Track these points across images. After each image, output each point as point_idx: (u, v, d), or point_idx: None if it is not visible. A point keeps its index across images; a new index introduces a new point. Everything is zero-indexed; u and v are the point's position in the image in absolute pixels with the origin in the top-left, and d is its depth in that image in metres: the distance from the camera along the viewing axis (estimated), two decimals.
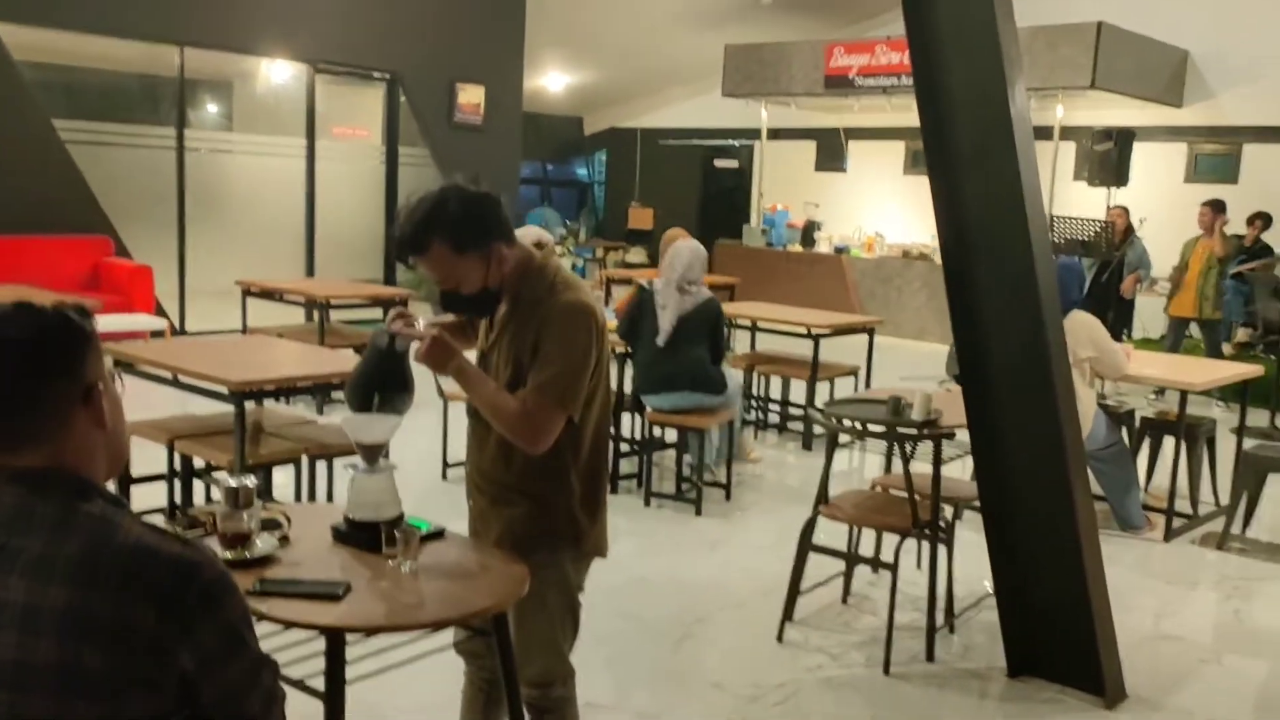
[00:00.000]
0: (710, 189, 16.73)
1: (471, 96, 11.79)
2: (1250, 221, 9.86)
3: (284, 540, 2.22)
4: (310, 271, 10.72)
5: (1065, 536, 3.54)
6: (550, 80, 15.37)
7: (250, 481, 2.17)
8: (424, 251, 2.30)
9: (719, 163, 16.63)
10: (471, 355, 2.49)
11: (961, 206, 3.69)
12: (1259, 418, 7.56)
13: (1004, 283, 3.62)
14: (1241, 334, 9.72)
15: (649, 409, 5.54)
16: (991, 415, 3.66)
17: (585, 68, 15.31)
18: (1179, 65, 11.86)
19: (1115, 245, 9.33)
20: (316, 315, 6.88)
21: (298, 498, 4.42)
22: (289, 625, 1.88)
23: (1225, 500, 5.70)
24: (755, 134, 14.46)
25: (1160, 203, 11.02)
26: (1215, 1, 11.47)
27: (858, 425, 3.92)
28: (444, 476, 5.70)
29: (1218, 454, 5.77)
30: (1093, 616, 3.53)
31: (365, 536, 2.22)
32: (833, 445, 4.10)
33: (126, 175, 9.70)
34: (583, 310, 2.33)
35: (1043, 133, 11.48)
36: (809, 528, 3.98)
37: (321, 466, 4.42)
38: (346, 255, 11.06)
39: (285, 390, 4.13)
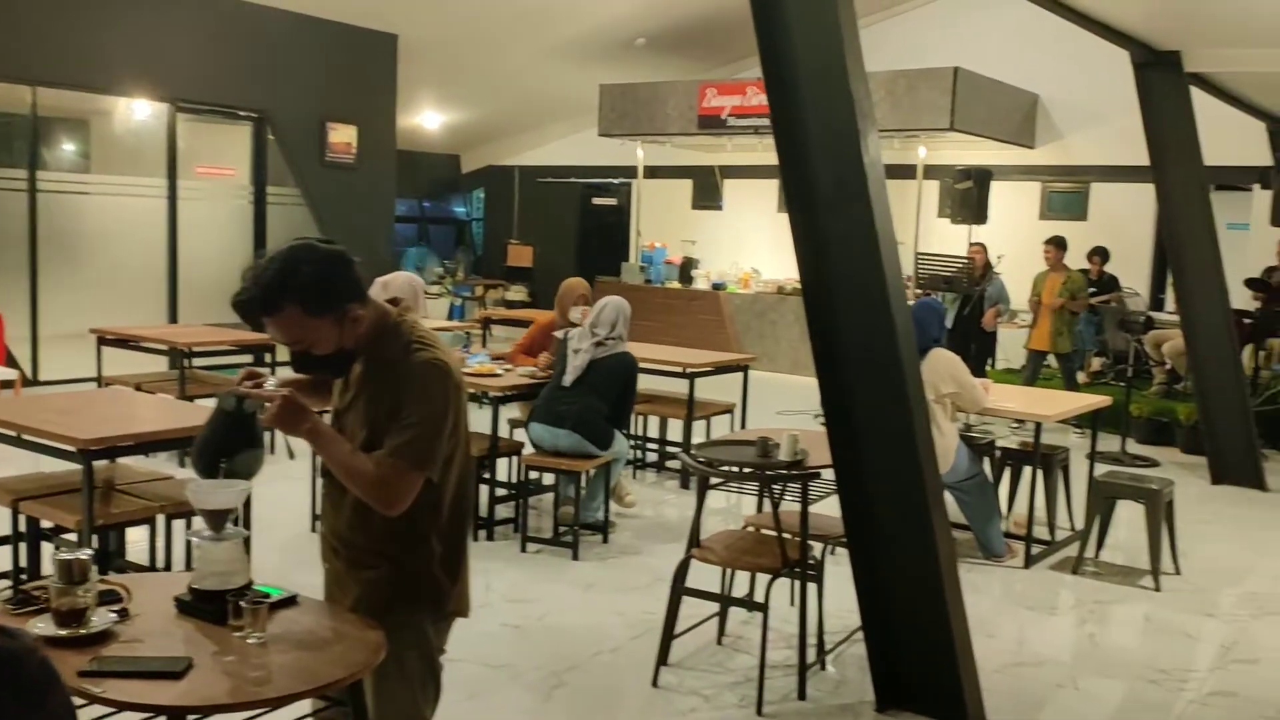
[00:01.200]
0: (589, 226, 16.82)
1: (343, 135, 11.63)
2: (1089, 257, 10.38)
3: (123, 614, 2.13)
4: (173, 317, 10.37)
5: (926, 570, 3.64)
6: (426, 119, 15.27)
7: (85, 554, 2.07)
8: (274, 314, 2.24)
9: (597, 200, 16.74)
10: (327, 414, 2.43)
11: (820, 249, 3.78)
12: (1114, 443, 7.92)
13: (862, 323, 3.73)
14: (1095, 363, 10.20)
15: (525, 450, 5.51)
16: (854, 452, 3.75)
17: (461, 106, 15.26)
18: (1030, 108, 12.45)
19: (976, 281, 9.70)
20: (179, 364, 6.64)
21: (152, 558, 4.24)
22: (124, 708, 1.79)
23: (1080, 525, 5.96)
24: (632, 172, 14.62)
25: (1017, 239, 11.51)
26: (1062, 48, 12.07)
27: (726, 468, 3.96)
28: (313, 528, 5.55)
29: (1072, 481, 6.02)
30: (954, 647, 3.63)
31: (211, 608, 2.14)
32: (704, 488, 4.13)
33: None
34: (439, 369, 2.30)
35: (907, 172, 11.93)
36: (682, 571, 4.00)
37: (179, 525, 4.25)
38: (212, 299, 10.69)
39: (141, 447, 3.96)
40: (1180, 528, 5.55)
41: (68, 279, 9.63)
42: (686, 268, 13.36)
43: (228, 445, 2.28)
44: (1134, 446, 8.31)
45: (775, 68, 3.74)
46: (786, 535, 3.87)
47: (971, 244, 10.23)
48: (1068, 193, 12.60)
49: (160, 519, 4.14)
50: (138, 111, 10.53)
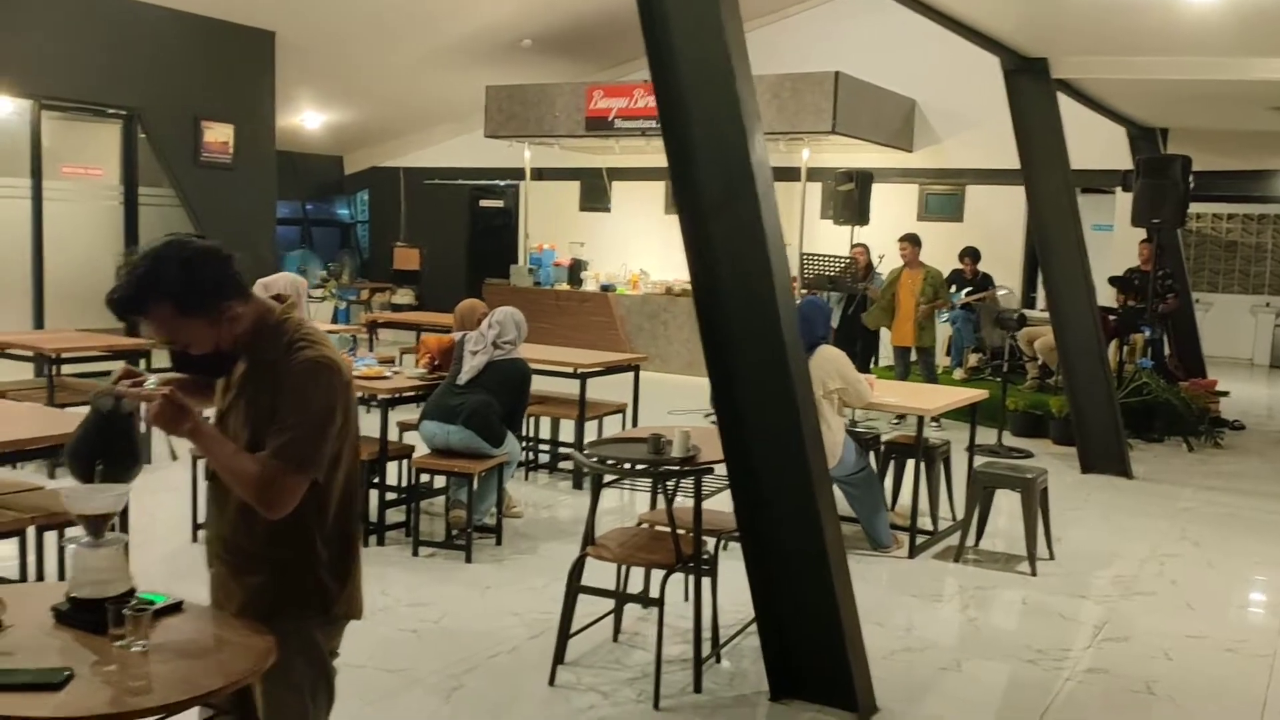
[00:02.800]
0: (477, 228, 16.67)
1: (219, 134, 11.28)
2: (961, 258, 10.75)
3: None
4: (39, 322, 9.90)
5: (815, 561, 3.72)
6: (306, 119, 14.91)
7: None
8: (144, 313, 2.17)
9: (485, 202, 16.61)
10: (210, 414, 2.36)
11: (709, 249, 3.83)
12: (991, 436, 8.21)
13: (750, 321, 3.79)
14: (972, 359, 10.56)
15: (416, 453, 5.44)
16: (744, 447, 3.81)
17: (343, 106, 14.95)
18: (909, 113, 12.83)
19: (859, 280, 9.95)
20: (46, 370, 6.35)
21: (23, 573, 4.05)
22: None
23: (961, 516, 6.16)
24: (520, 174, 14.55)
25: (895, 239, 11.83)
26: (938, 55, 12.47)
27: (620, 465, 3.98)
28: (194, 539, 5.37)
29: (952, 473, 6.23)
30: (844, 636, 3.71)
31: (90, 616, 2.06)
32: (598, 486, 4.14)
33: None
34: (324, 367, 2.25)
35: (792, 174, 12.15)
36: (577, 569, 4.00)
37: (51, 537, 4.07)
38: (80, 303, 10.25)
39: (8, 456, 3.78)
40: (1053, 515, 5.78)
41: None
42: (576, 269, 13.36)
43: (104, 448, 2.19)
44: (1010, 439, 8.63)
45: (662, 69, 3.77)
46: (680, 531, 3.91)
47: (854, 245, 10.49)
48: (944, 195, 13.01)
49: (30, 531, 3.95)
50: (6, 107, 10.02)
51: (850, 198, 11.15)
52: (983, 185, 12.66)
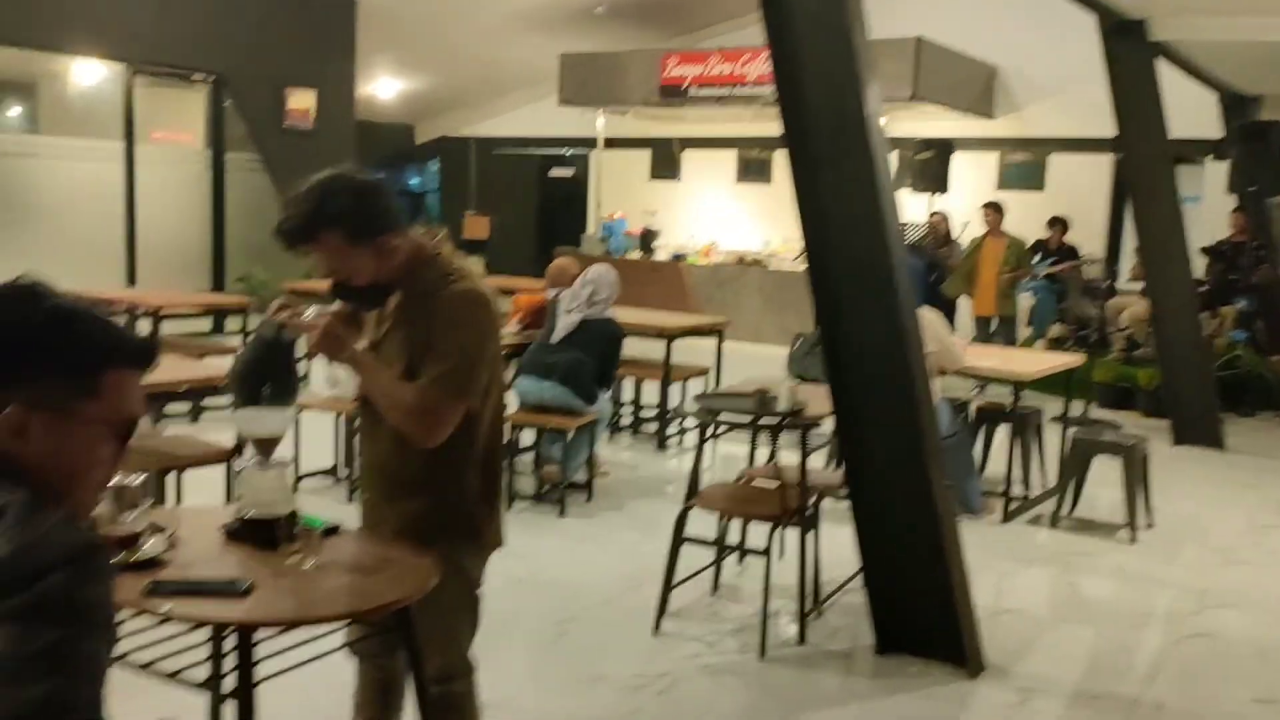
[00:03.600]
0: (546, 198, 16.73)
1: (302, 101, 11.42)
2: (1049, 226, 10.57)
3: (170, 542, 2.10)
4: (131, 282, 10.15)
5: (926, 517, 3.71)
6: (381, 86, 15.05)
7: (136, 480, 2.04)
8: (314, 242, 2.22)
9: (554, 172, 16.65)
10: (362, 347, 2.42)
11: (821, 205, 3.82)
12: (1073, 408, 8.09)
13: (862, 276, 3.77)
14: (1054, 329, 10.39)
15: (513, 407, 5.51)
16: (855, 403, 3.80)
17: (417, 74, 15.06)
18: (989, 79, 12.60)
19: (938, 248, 9.84)
20: (149, 327, 6.52)
21: None
22: (197, 624, 1.78)
23: (1051, 483, 6.10)
24: (590, 143, 14.56)
25: (974, 208, 11.67)
26: (1021, 20, 12.24)
27: (732, 416, 4.00)
28: (337, 474, 5.56)
29: (1044, 441, 6.16)
30: (953, 592, 3.71)
31: (260, 534, 2.13)
32: (704, 438, 4.17)
33: None
34: (477, 299, 2.30)
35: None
36: (682, 520, 4.03)
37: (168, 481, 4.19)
38: (170, 265, 10.53)
39: (156, 398, 3.90)
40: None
41: (22, 244, 9.39)
42: (647, 238, 13.36)
43: (268, 373, 2.25)
44: (1095, 411, 8.49)
45: (777, 18, 3.76)
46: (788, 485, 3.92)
47: (932, 213, 10.36)
48: (1025, 164, 12.78)
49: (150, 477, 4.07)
50: (90, 74, 10.26)
51: (929, 166, 11.02)
52: (1066, 154, 12.42)
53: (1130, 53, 7.50)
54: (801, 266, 12.46)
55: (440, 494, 2.35)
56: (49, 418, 1.30)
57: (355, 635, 2.41)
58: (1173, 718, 3.52)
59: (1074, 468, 5.61)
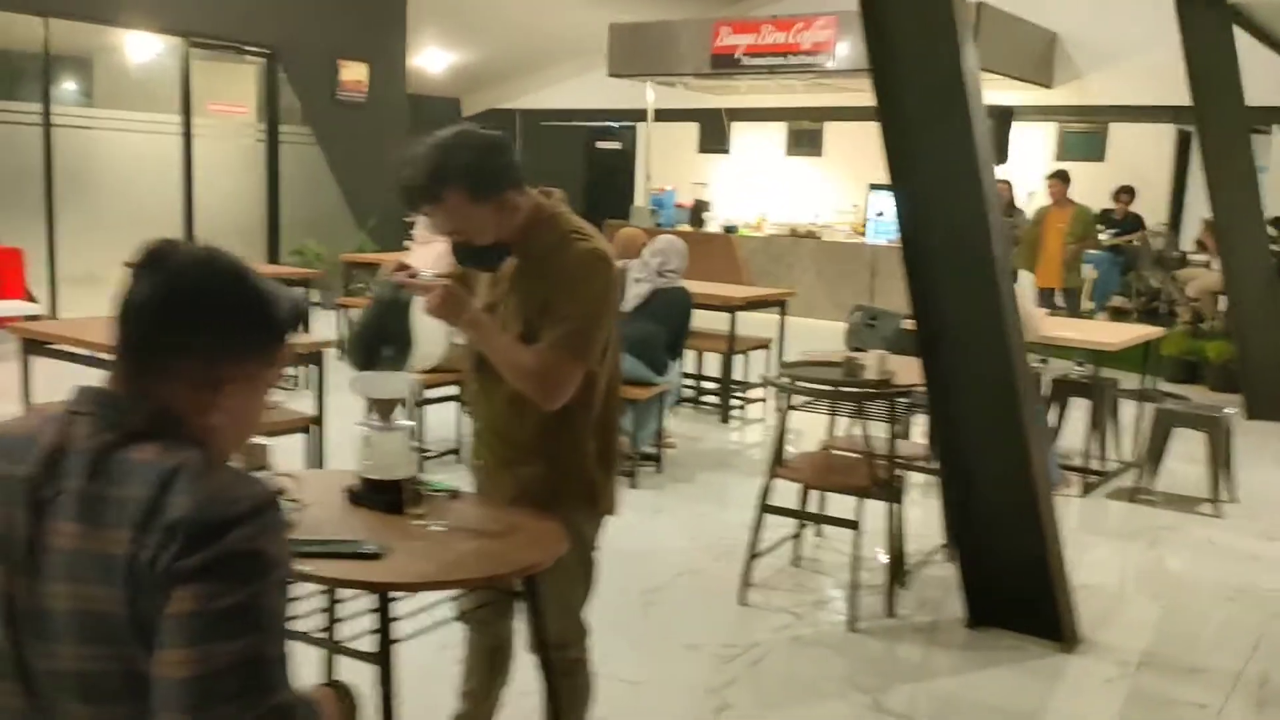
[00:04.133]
0: (593, 171, 16.66)
1: (354, 73, 11.43)
2: (1117, 196, 10.36)
3: (296, 504, 2.08)
4: None
5: (1023, 489, 3.63)
6: (429, 59, 15.02)
7: (262, 441, 2.02)
8: (437, 200, 2.17)
9: (601, 144, 16.57)
10: None
11: (914, 167, 3.73)
12: (1131, 382, 7.93)
13: (958, 244, 3.68)
14: (1117, 301, 10.21)
15: None
16: (948, 373, 3.72)
17: (465, 46, 15.02)
18: (1048, 47, 12.35)
19: (1004, 217, 9.66)
20: None
21: None
22: (338, 585, 1.75)
23: (1126, 457, 5.99)
24: (638, 115, 14.45)
25: (1032, 179, 11.47)
26: None
27: (819, 386, 3.93)
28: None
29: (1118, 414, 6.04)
30: (1050, 566, 3.63)
31: (384, 497, 2.10)
32: (788, 408, 4.10)
33: None
34: (599, 258, 2.26)
35: None
36: (766, 491, 3.98)
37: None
38: (226, 237, 10.54)
39: None
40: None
41: (83, 216, 9.47)
42: (697, 211, 13.26)
43: (387, 335, 2.22)
44: (1160, 386, 8.33)
45: None
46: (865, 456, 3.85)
47: (997, 181, 10.18)
48: (1085, 133, 12.54)
49: None
50: (146, 47, 10.30)
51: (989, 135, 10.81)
52: (1127, 123, 12.16)
53: (1207, 18, 7.29)
54: (856, 239, 12.39)
55: (558, 458, 2.31)
56: (240, 386, 1.32)
57: (471, 602, 2.39)
58: (1279, 691, 3.43)
59: (1156, 441, 5.49)
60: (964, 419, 3.72)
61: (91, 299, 8.37)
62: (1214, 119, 7.36)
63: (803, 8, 12.11)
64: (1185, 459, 5.71)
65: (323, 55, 11.11)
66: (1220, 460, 5.25)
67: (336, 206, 11.34)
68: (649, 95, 13.69)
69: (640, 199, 14.23)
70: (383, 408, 2.18)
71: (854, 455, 4.14)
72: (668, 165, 14.72)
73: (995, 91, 12.03)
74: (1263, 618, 4.02)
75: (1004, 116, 10.80)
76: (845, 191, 13.55)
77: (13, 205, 9.00)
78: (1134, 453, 6.18)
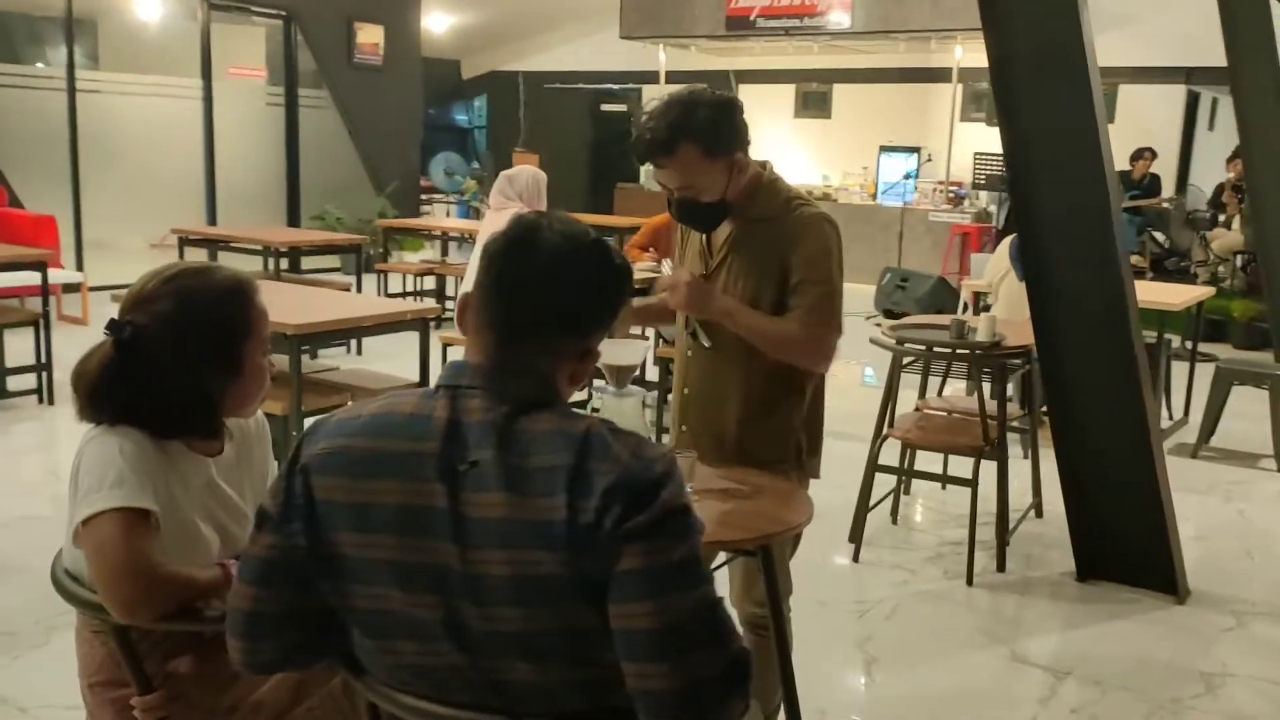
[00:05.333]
0: (598, 133, 16.58)
1: (371, 36, 11.31)
2: (1138, 157, 10.46)
3: None
4: (211, 219, 10.13)
5: (1137, 445, 3.74)
6: (433, 21, 14.85)
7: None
8: (672, 154, 2.22)
9: (606, 107, 16.48)
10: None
11: (1024, 129, 3.78)
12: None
13: (1068, 202, 3.75)
14: (1135, 260, 10.34)
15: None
16: (1060, 330, 3.81)
17: (467, 8, 14.85)
18: None
19: None
20: (276, 264, 6.52)
21: None
22: None
23: (1178, 415, 6.14)
24: (644, 78, 14.38)
25: None
26: None
27: (933, 348, 4.00)
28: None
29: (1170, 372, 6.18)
30: (1165, 520, 3.75)
31: None
32: (897, 370, 4.18)
33: (10, 119, 8.92)
34: (830, 223, 2.33)
35: (942, 75, 11.91)
36: (876, 451, 4.07)
37: None
38: (246, 202, 10.50)
39: (342, 333, 3.92)
40: (1265, 417, 5.69)
41: (106, 183, 9.36)
42: None
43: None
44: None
45: None
46: (972, 417, 3.95)
47: None
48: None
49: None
50: (165, 8, 10.14)
51: None
52: (1136, 84, 12.24)
53: None
54: (870, 202, 12.46)
55: (772, 425, 2.37)
56: (595, 355, 1.43)
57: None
58: None
59: (1216, 398, 5.62)
60: (1078, 378, 3.81)
61: (117, 266, 8.32)
62: (1249, 79, 7.45)
63: None
64: (1239, 415, 5.85)
65: (338, 17, 10.99)
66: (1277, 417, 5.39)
67: (355, 171, 11.27)
68: (661, 57, 13.63)
69: None
70: (619, 374, 2.22)
71: (956, 415, 4.24)
72: None
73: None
74: None
75: None
76: (855, 154, 13.59)
77: (39, 171, 8.89)
78: (1184, 410, 6.33)
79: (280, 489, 1.37)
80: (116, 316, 1.68)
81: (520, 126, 17.04)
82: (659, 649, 1.22)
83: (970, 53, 12.11)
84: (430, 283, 8.33)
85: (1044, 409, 5.51)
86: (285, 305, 4.23)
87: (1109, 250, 3.69)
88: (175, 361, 1.64)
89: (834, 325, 2.26)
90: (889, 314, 9.07)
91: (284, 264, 6.62)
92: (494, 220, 5.47)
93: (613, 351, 2.22)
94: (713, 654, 1.25)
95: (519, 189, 5.46)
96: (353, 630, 1.38)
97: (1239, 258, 9.37)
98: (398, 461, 1.32)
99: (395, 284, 8.33)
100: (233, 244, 6.78)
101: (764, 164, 2.42)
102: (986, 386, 4.30)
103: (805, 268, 2.25)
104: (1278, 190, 7.50)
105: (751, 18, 12.29)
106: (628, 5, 13.03)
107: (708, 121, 2.20)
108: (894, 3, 11.31)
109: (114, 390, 1.62)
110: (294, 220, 10.74)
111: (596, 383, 2.28)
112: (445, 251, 9.65)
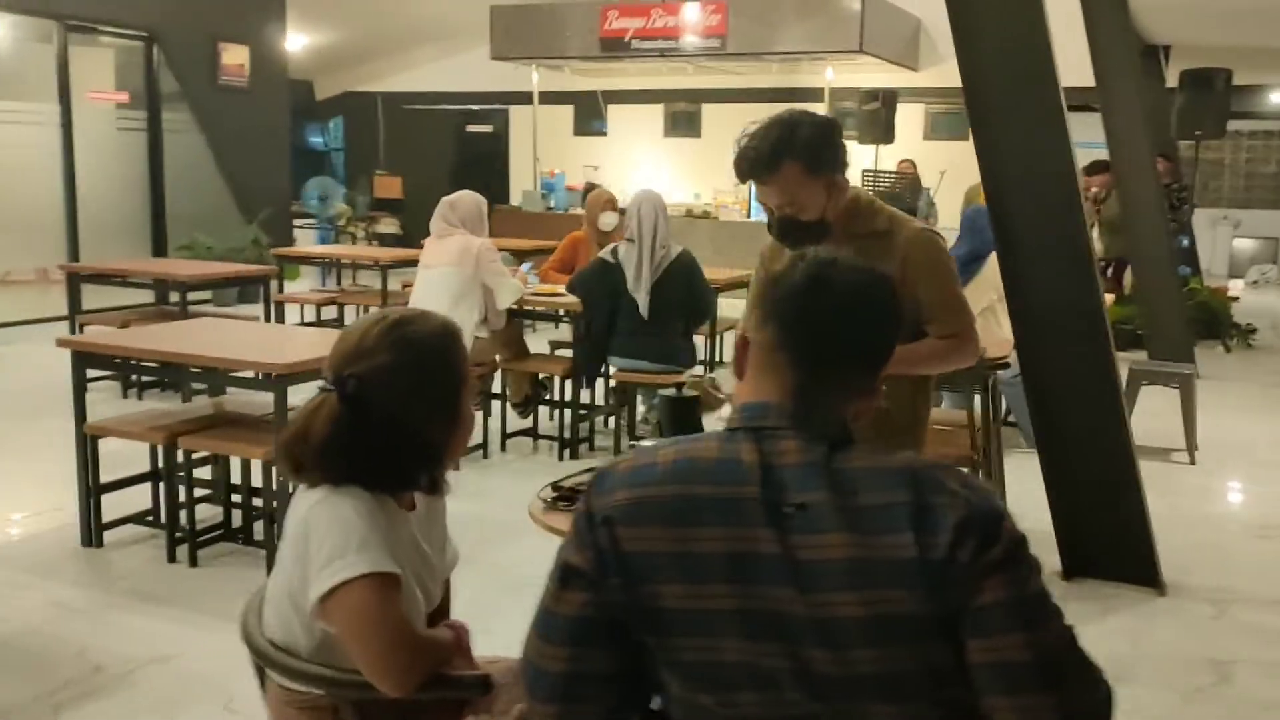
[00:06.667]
0: (464, 155, 16.34)
1: (236, 57, 10.84)
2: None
3: None
4: (74, 254, 9.47)
5: (1115, 445, 3.93)
6: (289, 41, 14.34)
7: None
8: (775, 171, 2.27)
9: (472, 128, 16.28)
10: None
11: (1000, 149, 3.94)
12: None
13: (1044, 220, 3.92)
14: None
15: (616, 369, 5.48)
16: (1041, 342, 3.97)
17: (319, 27, 14.39)
18: (914, 31, 12.98)
19: (915, 195, 10.17)
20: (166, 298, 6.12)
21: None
22: None
23: None
24: (510, 98, 14.31)
25: (906, 158, 12.05)
26: None
27: None
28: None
29: None
30: (1144, 515, 3.95)
31: None
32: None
33: None
34: (939, 238, 2.43)
35: (814, 95, 12.27)
36: None
37: None
38: (110, 233, 9.85)
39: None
40: (1147, 411, 6.03)
41: None
42: (589, 194, 13.24)
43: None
44: None
45: None
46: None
47: (901, 160, 10.69)
48: (950, 115, 13.26)
49: None
50: (15, 31, 9.44)
51: (876, 117, 11.32)
52: None
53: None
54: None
55: (898, 423, 2.39)
56: (874, 398, 1.43)
57: None
58: None
59: (1128, 398, 5.97)
60: (1056, 386, 3.98)
61: None
62: (1117, 103, 7.98)
63: None
64: (1145, 413, 6.22)
65: (202, 38, 10.49)
66: (1191, 412, 5.78)
67: (222, 197, 10.75)
68: (534, 78, 13.57)
69: (529, 183, 14.09)
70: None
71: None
72: (543, 148, 14.65)
73: (871, 74, 12.59)
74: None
75: (889, 99, 11.31)
76: (726, 173, 13.79)
77: None
78: None
79: (585, 543, 1.30)
80: (329, 373, 1.55)
81: (380, 149, 16.65)
82: (1043, 679, 1.22)
83: (841, 73, 12.56)
84: (330, 313, 8.01)
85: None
86: (252, 343, 4.01)
87: (1084, 264, 3.88)
88: (403, 414, 1.53)
89: (973, 319, 2.43)
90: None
91: (152, 296, 6.21)
92: (436, 248, 5.31)
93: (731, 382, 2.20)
94: (1087, 683, 1.25)
95: (461, 215, 5.33)
96: (671, 684, 1.31)
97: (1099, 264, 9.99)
98: (716, 507, 1.28)
99: (292, 315, 7.97)
100: (128, 278, 6.33)
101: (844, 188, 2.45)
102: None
103: (930, 283, 2.32)
104: (1147, 202, 8.05)
105: (626, 39, 12.38)
106: (498, 26, 12.93)
107: (809, 140, 2.25)
108: (767, 25, 11.61)
109: (345, 448, 1.50)
110: (160, 250, 10.15)
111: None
112: (337, 279, 9.32)
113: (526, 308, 5.61)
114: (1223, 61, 11.12)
